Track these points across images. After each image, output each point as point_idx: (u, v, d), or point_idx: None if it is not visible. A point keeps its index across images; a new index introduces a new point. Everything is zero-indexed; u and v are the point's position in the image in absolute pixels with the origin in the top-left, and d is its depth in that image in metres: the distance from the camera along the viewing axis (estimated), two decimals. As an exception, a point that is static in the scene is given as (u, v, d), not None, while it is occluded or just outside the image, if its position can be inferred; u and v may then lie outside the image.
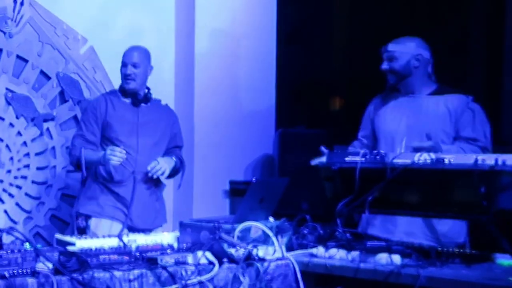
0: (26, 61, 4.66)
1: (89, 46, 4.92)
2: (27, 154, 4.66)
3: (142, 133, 4.00)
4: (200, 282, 2.66)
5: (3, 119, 4.59)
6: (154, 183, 4.08)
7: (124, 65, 4.03)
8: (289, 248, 3.04)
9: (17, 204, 4.62)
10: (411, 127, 3.65)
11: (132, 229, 3.78)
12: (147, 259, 2.65)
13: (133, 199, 3.94)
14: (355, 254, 2.86)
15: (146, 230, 3.66)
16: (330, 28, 6.87)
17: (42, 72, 4.73)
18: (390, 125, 3.74)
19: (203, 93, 5.29)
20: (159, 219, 4.15)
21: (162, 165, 3.97)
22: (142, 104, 4.05)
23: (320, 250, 2.97)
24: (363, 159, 3.04)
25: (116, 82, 4.99)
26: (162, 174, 3.98)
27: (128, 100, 4.05)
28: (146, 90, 4.09)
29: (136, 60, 4.00)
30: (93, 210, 4.00)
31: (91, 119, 4.03)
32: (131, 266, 2.60)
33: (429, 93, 3.75)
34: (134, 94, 4.03)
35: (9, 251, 2.39)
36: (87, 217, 4.01)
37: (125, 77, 4.02)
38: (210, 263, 2.72)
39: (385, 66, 3.86)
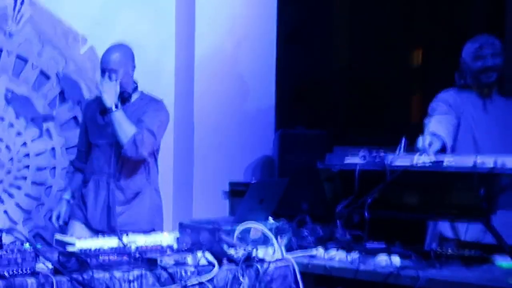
0: (26, 60, 4.66)
1: (89, 46, 4.92)
2: (27, 155, 4.66)
3: (109, 133, 3.88)
4: (200, 283, 2.66)
5: (3, 119, 4.59)
6: (121, 186, 3.92)
7: (102, 71, 3.89)
8: (289, 249, 3.04)
9: (17, 204, 4.62)
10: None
11: (93, 230, 3.85)
12: (146, 260, 2.65)
13: (88, 200, 3.92)
14: (354, 255, 2.86)
15: (104, 232, 3.66)
16: (330, 28, 6.86)
17: (42, 72, 4.73)
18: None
19: (203, 93, 5.29)
20: (124, 225, 3.83)
21: (106, 87, 3.77)
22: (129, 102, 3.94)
23: (319, 251, 2.97)
24: (362, 160, 3.04)
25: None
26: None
27: None
28: (133, 87, 3.96)
29: (113, 66, 3.84)
30: (68, 211, 4.09)
31: (81, 127, 4.11)
32: (130, 266, 2.60)
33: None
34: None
35: (9, 251, 2.39)
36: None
37: None
38: (210, 264, 2.72)
39: (489, 63, 3.65)
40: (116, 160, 3.88)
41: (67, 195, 4.12)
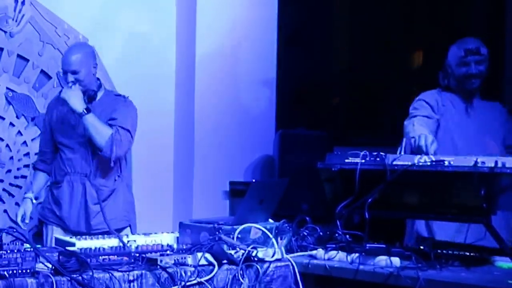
0: (26, 60, 4.67)
1: (89, 46, 4.92)
2: (27, 154, 4.66)
3: (80, 133, 3.87)
4: (200, 283, 2.66)
5: (3, 118, 4.60)
6: (95, 185, 3.89)
7: (64, 72, 3.90)
8: (289, 249, 3.04)
9: (17, 204, 4.62)
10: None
11: (70, 232, 3.83)
12: (146, 260, 2.64)
13: (63, 202, 3.91)
14: (354, 256, 2.86)
15: (82, 233, 3.67)
16: (330, 29, 6.87)
17: (42, 71, 4.73)
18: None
19: (204, 94, 5.29)
20: (103, 223, 3.79)
21: (70, 93, 3.74)
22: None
23: (319, 252, 2.97)
24: (363, 160, 3.04)
25: (117, 82, 5.01)
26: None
27: None
28: (97, 85, 3.93)
29: (74, 68, 3.82)
30: (40, 214, 4.08)
31: (44, 128, 4.08)
32: (130, 266, 2.60)
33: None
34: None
35: (9, 251, 2.39)
36: (41, 222, 4.06)
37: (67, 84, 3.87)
38: (210, 264, 2.72)
39: (474, 70, 3.66)
40: (90, 160, 3.86)
41: (29, 194, 4.05)
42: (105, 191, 3.90)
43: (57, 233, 3.88)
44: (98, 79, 3.99)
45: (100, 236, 3.15)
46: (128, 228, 3.94)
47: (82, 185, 3.88)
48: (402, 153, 3.10)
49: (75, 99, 3.74)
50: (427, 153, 3.19)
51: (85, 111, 3.73)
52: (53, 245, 3.21)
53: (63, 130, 3.95)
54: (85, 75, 3.84)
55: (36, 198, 4.07)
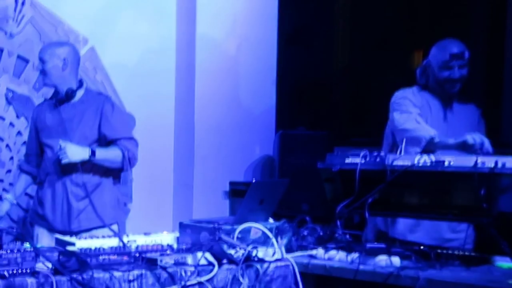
0: (27, 61, 4.67)
1: (90, 46, 4.92)
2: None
3: (61, 133, 3.83)
4: (200, 283, 2.66)
5: (3, 118, 4.60)
6: (80, 182, 3.85)
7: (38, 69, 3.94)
8: (289, 249, 3.04)
9: (17, 204, 4.62)
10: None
11: (54, 231, 3.80)
12: (146, 260, 2.65)
13: (45, 202, 3.89)
14: (354, 256, 2.86)
15: (67, 233, 3.67)
16: (331, 29, 6.87)
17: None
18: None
19: (204, 94, 5.29)
20: (87, 220, 3.83)
21: (67, 151, 3.68)
22: (74, 101, 3.87)
23: (319, 252, 2.97)
24: (363, 160, 3.04)
25: (117, 82, 5.02)
26: (63, 159, 3.69)
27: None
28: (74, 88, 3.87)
29: (42, 55, 3.84)
30: (29, 215, 4.11)
31: (30, 132, 4.05)
32: (130, 266, 2.60)
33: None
34: (55, 94, 3.91)
35: (9, 251, 2.39)
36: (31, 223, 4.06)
37: None
38: (210, 264, 2.72)
39: (457, 75, 3.62)
40: None
41: (8, 196, 4.04)
42: (90, 186, 3.84)
43: (43, 234, 3.87)
44: (80, 79, 3.94)
45: (100, 236, 3.14)
46: (116, 225, 3.85)
47: (62, 185, 3.84)
48: (402, 153, 3.10)
49: (75, 154, 3.71)
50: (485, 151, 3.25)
51: (91, 156, 3.72)
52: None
53: (46, 131, 3.92)
54: (51, 67, 3.81)
55: (15, 199, 4.06)
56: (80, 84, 3.91)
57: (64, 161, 3.69)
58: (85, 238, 3.03)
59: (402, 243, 3.22)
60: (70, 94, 3.82)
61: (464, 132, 3.54)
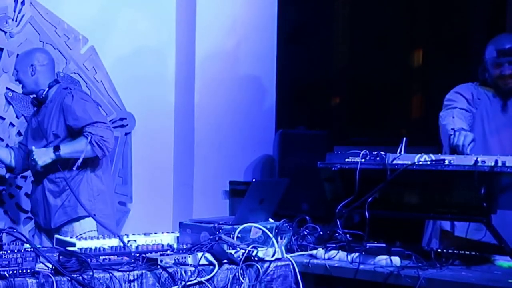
0: (26, 61, 4.66)
1: (89, 46, 4.92)
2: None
3: (35, 136, 3.98)
4: (200, 283, 2.66)
5: (3, 118, 4.60)
6: (53, 179, 3.92)
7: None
8: (289, 249, 3.04)
9: (17, 204, 4.62)
10: None
11: (42, 230, 3.98)
12: (147, 260, 2.64)
13: (31, 200, 4.07)
14: (355, 255, 2.86)
15: (50, 230, 3.84)
16: (330, 28, 6.87)
17: (42, 72, 4.72)
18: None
19: (204, 93, 5.29)
20: (64, 215, 3.90)
21: (35, 156, 3.77)
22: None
23: (320, 251, 2.97)
24: (363, 160, 3.04)
25: (117, 82, 5.02)
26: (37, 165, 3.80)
27: None
28: (46, 89, 3.95)
29: (17, 76, 4.00)
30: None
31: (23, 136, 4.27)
32: (131, 266, 2.60)
33: None
34: (35, 99, 4.02)
35: (9, 251, 2.39)
36: None
37: None
38: (210, 264, 2.72)
39: (507, 71, 3.54)
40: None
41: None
42: (62, 181, 3.89)
43: (35, 232, 4.03)
44: (56, 79, 4.01)
45: (100, 236, 3.15)
46: (91, 218, 3.81)
47: (41, 184, 3.93)
48: (402, 152, 3.10)
49: (42, 157, 3.78)
50: (463, 153, 3.19)
51: (55, 154, 3.78)
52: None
53: (30, 135, 4.04)
54: (22, 76, 3.95)
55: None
56: (53, 83, 3.96)
57: (37, 166, 3.78)
58: (86, 238, 3.04)
59: (469, 242, 3.19)
60: (43, 96, 3.93)
61: None
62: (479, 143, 3.50)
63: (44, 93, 3.91)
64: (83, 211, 3.79)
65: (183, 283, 2.61)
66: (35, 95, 3.97)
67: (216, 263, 2.72)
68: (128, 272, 2.54)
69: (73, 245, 2.88)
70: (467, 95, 3.63)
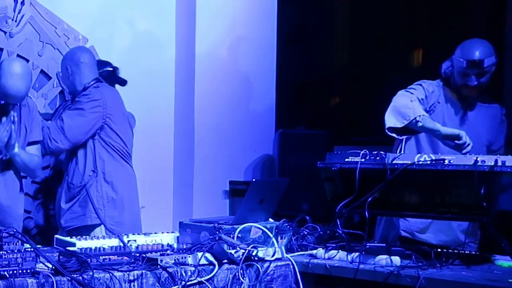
0: (26, 60, 4.66)
1: (89, 46, 4.91)
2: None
3: None
4: (200, 283, 2.66)
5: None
6: (67, 184, 3.99)
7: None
8: (289, 249, 3.04)
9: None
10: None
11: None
12: (147, 260, 2.64)
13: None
14: (355, 255, 2.86)
15: (59, 228, 3.98)
16: (330, 28, 6.87)
17: (42, 71, 4.72)
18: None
19: (204, 93, 5.29)
20: (71, 220, 3.97)
21: None
22: None
23: (320, 251, 2.97)
24: (363, 159, 3.04)
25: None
26: None
27: None
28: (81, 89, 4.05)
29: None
30: None
31: None
32: (131, 266, 2.60)
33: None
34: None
35: (9, 251, 2.39)
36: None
37: None
38: (210, 263, 2.72)
39: (474, 82, 3.47)
40: (66, 157, 3.99)
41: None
42: (73, 188, 3.93)
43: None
44: (96, 78, 4.15)
45: (100, 236, 3.15)
46: (102, 227, 3.85)
47: (60, 184, 4.00)
48: (402, 152, 3.10)
49: None
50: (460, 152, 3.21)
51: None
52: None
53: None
54: (64, 78, 4.16)
55: None
56: (89, 84, 4.09)
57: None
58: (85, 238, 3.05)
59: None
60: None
61: (484, 133, 3.52)
62: (429, 150, 3.49)
63: (80, 94, 3.98)
64: (93, 219, 3.83)
65: (183, 283, 2.61)
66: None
67: (216, 263, 2.72)
68: (128, 272, 2.54)
69: (73, 245, 2.88)
70: (430, 93, 3.58)
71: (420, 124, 3.34)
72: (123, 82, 4.70)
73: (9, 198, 3.57)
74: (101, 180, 3.95)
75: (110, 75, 4.60)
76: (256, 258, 2.82)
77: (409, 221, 3.53)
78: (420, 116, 3.34)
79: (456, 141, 3.28)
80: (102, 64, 4.62)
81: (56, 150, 3.96)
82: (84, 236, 3.13)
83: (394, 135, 3.45)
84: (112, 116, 4.04)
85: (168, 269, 2.61)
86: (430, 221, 3.50)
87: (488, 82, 3.51)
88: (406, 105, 3.44)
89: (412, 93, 3.54)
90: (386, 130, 3.44)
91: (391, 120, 3.43)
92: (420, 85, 3.61)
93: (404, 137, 3.51)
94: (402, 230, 3.56)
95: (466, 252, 3.03)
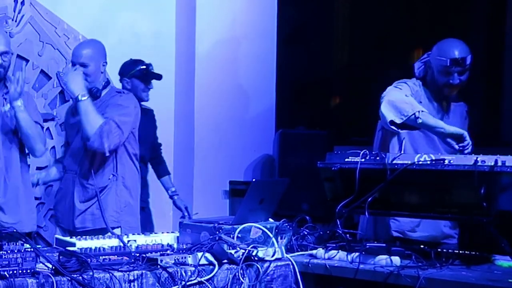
0: (26, 60, 4.67)
1: (89, 46, 4.92)
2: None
3: (75, 130, 3.92)
4: (200, 283, 2.66)
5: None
6: (85, 184, 3.89)
7: (72, 64, 3.86)
8: (289, 249, 3.04)
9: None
10: None
11: (65, 231, 3.98)
12: (147, 260, 2.64)
13: (58, 199, 4.07)
14: (355, 255, 2.86)
15: (70, 231, 3.87)
16: (330, 28, 6.88)
17: (42, 72, 4.73)
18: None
19: (204, 93, 5.29)
20: (88, 221, 3.90)
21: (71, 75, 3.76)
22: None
23: (320, 251, 2.97)
24: (363, 159, 3.04)
25: (116, 83, 5.01)
26: None
27: None
28: (103, 84, 3.90)
29: (84, 60, 3.80)
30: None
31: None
32: (131, 266, 2.60)
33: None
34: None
35: (9, 251, 2.39)
36: None
37: None
38: (210, 263, 2.72)
39: (456, 81, 3.49)
40: (82, 157, 3.85)
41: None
42: (92, 189, 3.83)
43: (58, 232, 3.98)
44: (107, 78, 3.98)
45: (100, 236, 3.14)
46: (119, 229, 3.80)
47: (73, 183, 3.87)
48: (402, 152, 3.10)
49: (74, 83, 3.71)
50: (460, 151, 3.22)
51: (81, 96, 3.67)
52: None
53: (67, 129, 4.05)
54: (93, 71, 3.82)
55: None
56: (107, 83, 3.96)
57: (62, 77, 3.79)
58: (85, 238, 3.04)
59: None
60: (95, 93, 3.85)
61: None
62: (410, 150, 3.49)
63: (96, 90, 3.82)
64: (112, 222, 3.76)
65: (183, 283, 2.61)
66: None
67: (216, 263, 2.72)
68: (128, 272, 2.54)
69: (73, 245, 2.88)
70: (413, 90, 3.56)
71: (420, 120, 3.32)
72: (158, 77, 4.65)
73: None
74: (121, 184, 3.89)
75: (143, 73, 4.56)
76: (256, 258, 2.82)
77: (400, 221, 3.53)
78: (419, 112, 3.33)
79: (460, 143, 3.28)
80: (134, 63, 4.58)
81: (114, 147, 3.78)
82: (84, 236, 3.12)
83: (394, 128, 3.43)
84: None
85: (168, 269, 2.61)
86: (420, 220, 3.50)
87: (467, 80, 3.52)
88: (402, 100, 3.42)
89: (401, 89, 3.52)
90: (388, 124, 3.41)
91: (389, 114, 3.41)
92: (405, 83, 3.60)
93: (404, 138, 3.51)
94: (394, 230, 3.56)
95: (466, 252, 3.03)
